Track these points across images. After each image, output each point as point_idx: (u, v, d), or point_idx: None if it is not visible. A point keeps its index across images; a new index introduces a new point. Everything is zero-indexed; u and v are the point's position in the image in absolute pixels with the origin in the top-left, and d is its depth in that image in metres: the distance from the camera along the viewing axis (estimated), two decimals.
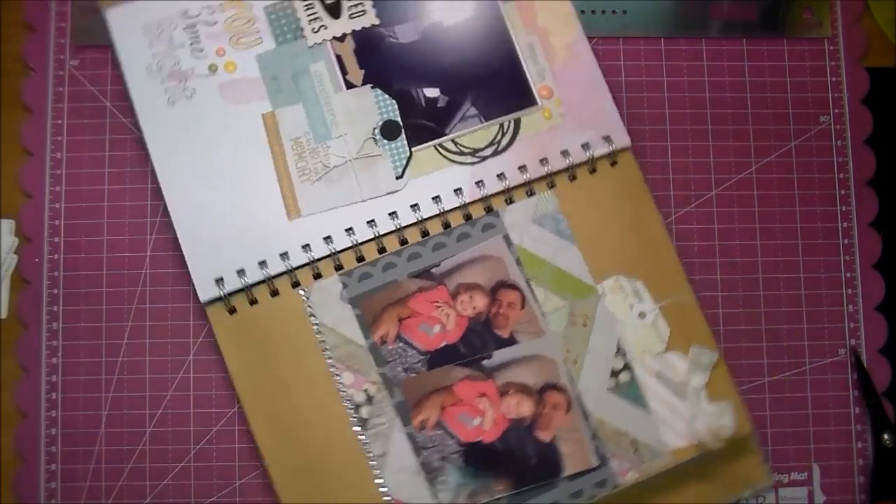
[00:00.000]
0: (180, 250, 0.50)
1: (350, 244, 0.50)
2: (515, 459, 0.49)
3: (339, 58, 0.52)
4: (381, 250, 0.51)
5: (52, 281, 0.53)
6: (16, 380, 0.52)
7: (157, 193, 0.53)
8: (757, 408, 0.53)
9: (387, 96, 0.52)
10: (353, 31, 0.53)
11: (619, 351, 0.50)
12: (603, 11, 0.56)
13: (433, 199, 0.51)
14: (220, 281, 0.49)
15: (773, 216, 0.55)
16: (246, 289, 0.49)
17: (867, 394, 0.53)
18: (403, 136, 0.52)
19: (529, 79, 0.52)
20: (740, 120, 0.56)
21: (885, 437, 0.53)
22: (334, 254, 0.50)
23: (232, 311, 0.50)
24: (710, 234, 0.55)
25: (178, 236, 0.50)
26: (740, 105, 0.56)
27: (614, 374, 0.50)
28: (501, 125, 0.52)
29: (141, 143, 0.54)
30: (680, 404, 0.50)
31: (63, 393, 0.52)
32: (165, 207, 0.53)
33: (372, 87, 0.52)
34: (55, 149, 0.54)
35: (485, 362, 0.50)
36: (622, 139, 0.52)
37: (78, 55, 0.54)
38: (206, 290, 0.49)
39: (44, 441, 0.52)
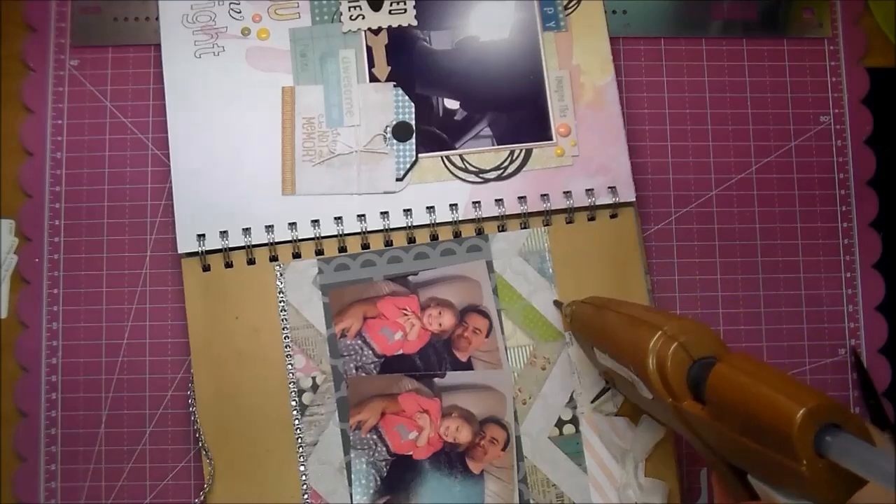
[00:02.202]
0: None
1: (335, 233, 0.51)
2: (439, 483, 0.49)
3: (369, 49, 0.53)
4: (365, 246, 0.51)
5: (52, 281, 0.53)
6: (16, 380, 0.52)
7: (157, 193, 0.53)
8: None
9: (407, 98, 0.52)
10: (390, 26, 0.53)
11: (571, 402, 0.50)
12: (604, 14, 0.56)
13: (427, 208, 0.51)
14: (201, 237, 0.50)
15: (773, 216, 0.55)
16: (225, 251, 0.50)
17: (867, 394, 0.53)
18: (414, 140, 0.52)
19: (551, 113, 0.53)
20: (740, 120, 0.56)
21: (885, 437, 0.53)
22: (318, 238, 0.51)
23: (206, 268, 0.51)
24: (710, 234, 0.55)
25: (172, 184, 0.51)
26: (740, 105, 0.56)
27: (560, 423, 0.50)
28: (512, 152, 0.52)
29: (142, 141, 0.54)
30: (617, 470, 0.50)
31: (63, 393, 0.52)
32: (165, 207, 0.53)
33: (395, 86, 0.52)
34: (55, 149, 0.54)
35: (436, 380, 0.50)
36: (628, 193, 0.52)
37: (78, 55, 0.54)
38: (185, 243, 0.50)
39: (44, 441, 0.52)
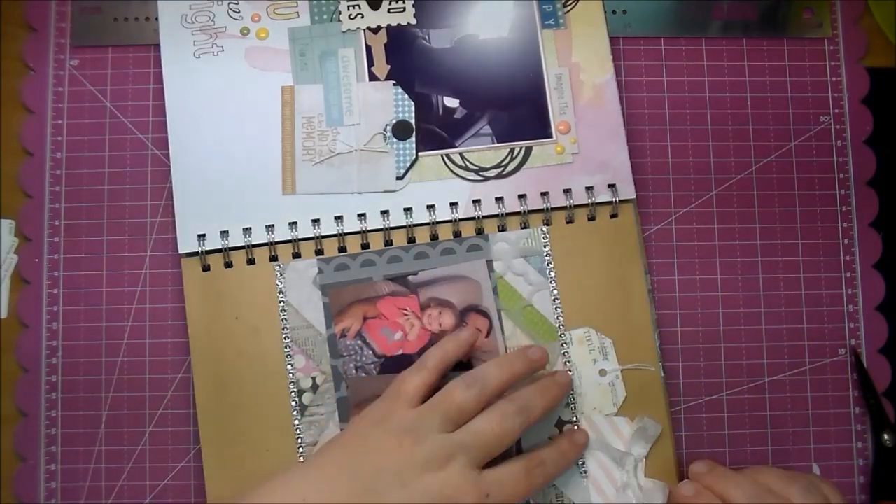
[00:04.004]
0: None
1: (335, 232, 0.51)
2: None
3: (368, 48, 0.53)
4: (365, 246, 0.51)
5: (52, 281, 0.53)
6: (16, 380, 0.52)
7: (157, 193, 0.53)
8: (757, 408, 0.53)
9: (406, 96, 0.52)
10: (389, 25, 0.53)
11: (570, 403, 0.50)
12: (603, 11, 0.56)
13: (428, 207, 0.51)
14: (201, 237, 0.50)
15: (773, 216, 0.55)
16: (224, 251, 0.50)
17: (867, 394, 0.53)
18: (414, 138, 0.52)
19: (550, 111, 0.53)
20: (740, 120, 0.56)
21: (885, 437, 0.53)
22: (318, 237, 0.51)
23: (206, 268, 0.51)
24: (710, 234, 0.55)
25: (173, 184, 0.51)
26: (740, 105, 0.56)
27: (559, 424, 0.50)
28: (512, 150, 0.52)
29: (142, 142, 0.54)
30: (616, 470, 0.50)
31: (63, 393, 0.52)
32: (165, 207, 0.53)
33: (394, 84, 0.52)
34: (55, 149, 0.54)
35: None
36: (627, 191, 0.52)
37: (78, 55, 0.54)
38: (185, 243, 0.50)
39: (44, 441, 0.52)
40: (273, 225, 0.51)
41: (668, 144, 0.55)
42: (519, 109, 0.53)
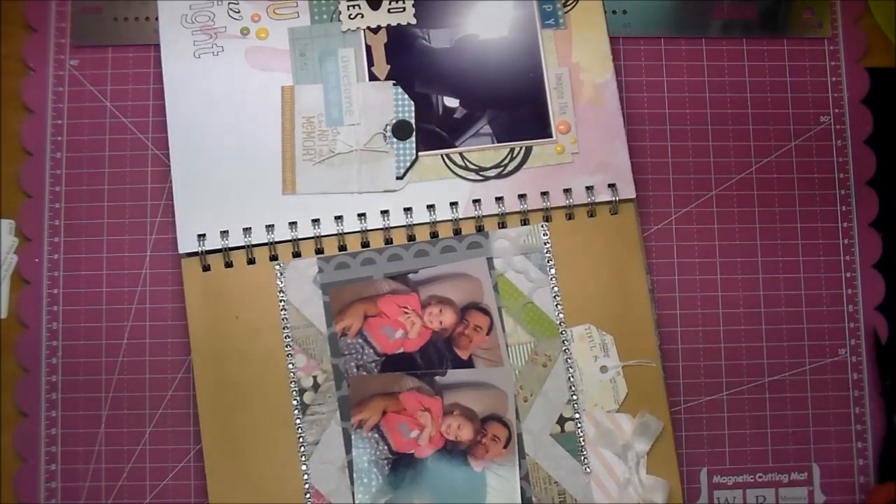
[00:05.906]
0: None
1: (335, 231, 0.51)
2: (441, 481, 0.49)
3: (368, 48, 0.53)
4: (365, 245, 0.51)
5: (52, 281, 0.53)
6: (16, 380, 0.52)
7: (157, 193, 0.53)
8: (757, 408, 0.53)
9: (406, 96, 0.52)
10: (389, 25, 0.53)
11: (572, 399, 0.50)
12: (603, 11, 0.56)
13: (428, 206, 0.51)
14: (201, 237, 0.50)
15: (773, 216, 0.55)
16: (225, 250, 0.50)
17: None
18: (414, 138, 0.52)
19: (550, 111, 0.53)
20: (740, 120, 0.56)
21: None
22: (318, 237, 0.51)
23: (206, 268, 0.51)
24: (710, 234, 0.55)
25: (173, 184, 0.51)
26: (740, 105, 0.56)
27: (561, 421, 0.50)
28: (512, 150, 0.52)
29: (142, 141, 0.54)
30: (618, 466, 0.50)
31: (63, 393, 0.52)
32: (165, 207, 0.53)
33: (394, 84, 0.52)
34: (55, 149, 0.54)
35: (437, 378, 0.50)
36: (628, 190, 0.52)
37: (78, 55, 0.54)
38: (185, 243, 0.50)
39: (44, 441, 0.52)
40: (273, 225, 0.51)
41: (668, 144, 0.55)
42: (519, 109, 0.53)
